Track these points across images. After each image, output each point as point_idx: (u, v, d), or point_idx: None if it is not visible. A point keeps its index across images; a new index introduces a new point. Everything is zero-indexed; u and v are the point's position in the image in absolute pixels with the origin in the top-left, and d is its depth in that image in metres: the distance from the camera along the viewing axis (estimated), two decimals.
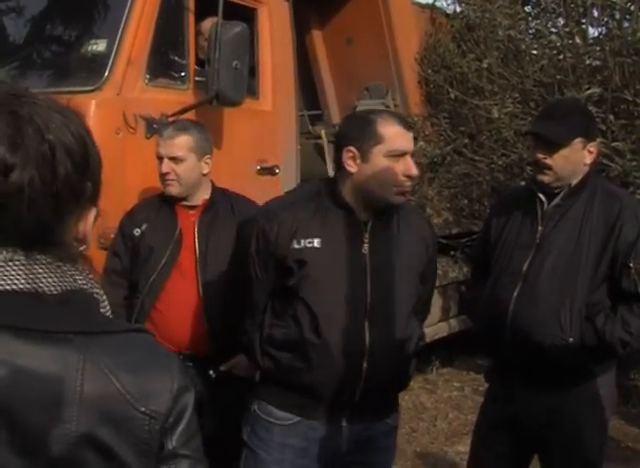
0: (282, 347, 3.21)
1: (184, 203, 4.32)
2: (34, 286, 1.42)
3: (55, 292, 1.44)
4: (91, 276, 1.53)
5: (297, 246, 3.14)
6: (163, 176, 4.25)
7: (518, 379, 3.66)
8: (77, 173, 1.50)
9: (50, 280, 1.44)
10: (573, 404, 3.65)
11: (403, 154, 3.15)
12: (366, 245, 3.20)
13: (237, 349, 4.22)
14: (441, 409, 7.53)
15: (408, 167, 3.15)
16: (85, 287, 1.50)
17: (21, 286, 1.42)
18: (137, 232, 4.30)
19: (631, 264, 3.53)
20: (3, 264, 1.42)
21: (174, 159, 4.23)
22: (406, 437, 6.91)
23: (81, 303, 1.48)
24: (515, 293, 3.60)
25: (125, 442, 1.44)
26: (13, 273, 1.42)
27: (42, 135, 1.44)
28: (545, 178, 3.64)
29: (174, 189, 4.26)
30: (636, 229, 3.56)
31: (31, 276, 1.42)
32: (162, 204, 4.36)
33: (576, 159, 3.64)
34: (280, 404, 3.26)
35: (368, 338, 3.15)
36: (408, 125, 3.25)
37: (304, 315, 3.14)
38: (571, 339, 3.52)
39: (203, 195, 4.34)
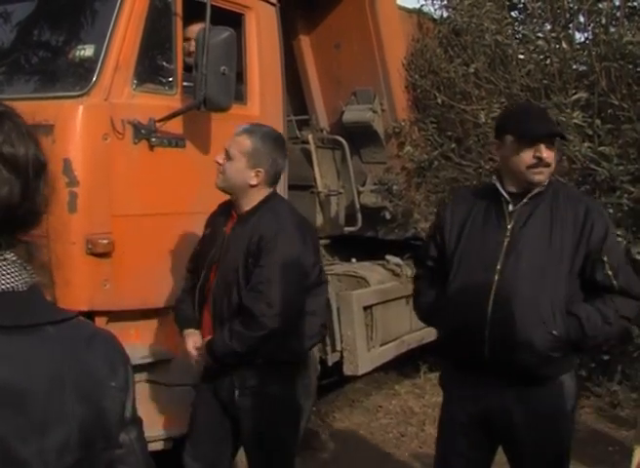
0: None
1: (236, 210, 4.36)
2: (10, 285, 1.49)
3: (25, 289, 1.51)
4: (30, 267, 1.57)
5: None
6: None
7: (489, 378, 3.67)
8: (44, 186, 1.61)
9: (20, 277, 1.51)
10: (546, 397, 3.73)
11: None
12: None
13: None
14: (429, 414, 7.52)
15: None
16: (35, 278, 1.56)
17: (2, 287, 1.48)
18: (204, 234, 4.54)
19: (605, 258, 3.67)
20: None
21: (227, 154, 4.27)
22: (394, 441, 6.93)
23: (41, 295, 1.56)
24: (492, 292, 3.61)
25: (108, 416, 1.56)
26: None
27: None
28: (542, 178, 3.70)
29: (218, 181, 4.32)
30: (605, 226, 3.73)
31: (4, 277, 1.48)
32: (228, 208, 4.45)
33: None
34: None
35: None
36: None
37: None
38: (555, 332, 3.61)
39: (248, 206, 4.30)
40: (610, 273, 3.68)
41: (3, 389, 1.41)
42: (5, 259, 1.49)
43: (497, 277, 3.62)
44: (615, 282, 3.68)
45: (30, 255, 1.54)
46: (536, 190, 3.69)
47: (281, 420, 4.30)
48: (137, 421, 1.68)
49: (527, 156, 3.63)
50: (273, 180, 4.33)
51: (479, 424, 3.77)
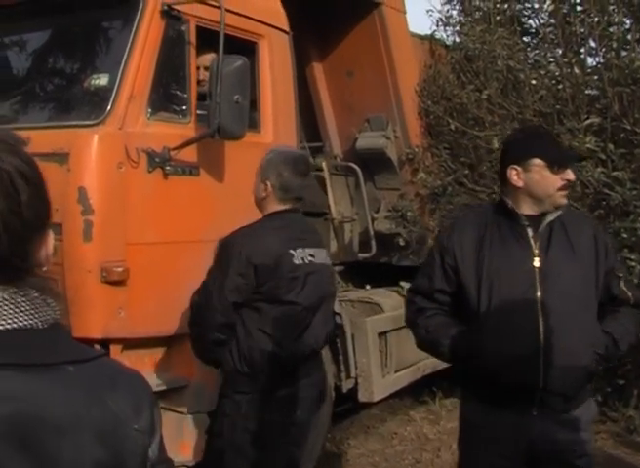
0: None
1: None
2: (28, 323, 1.45)
3: (45, 327, 1.47)
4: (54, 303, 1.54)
5: None
6: None
7: (533, 407, 3.60)
8: (36, 196, 1.51)
9: (39, 314, 1.47)
10: (582, 418, 3.71)
11: None
12: None
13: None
14: (444, 441, 7.49)
15: None
16: (58, 315, 1.52)
17: (18, 324, 1.44)
18: None
19: (620, 274, 3.77)
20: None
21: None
22: None
23: (63, 333, 1.53)
24: (540, 320, 3.53)
25: (128, 460, 1.51)
26: (2, 313, 1.44)
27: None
28: (566, 199, 3.73)
29: None
30: (611, 242, 3.84)
31: (20, 314, 1.44)
32: None
33: None
34: None
35: None
36: None
37: None
38: (600, 351, 3.65)
39: None
40: (625, 288, 3.76)
41: (15, 428, 1.37)
42: (24, 295, 1.46)
43: (539, 305, 3.55)
44: (630, 294, 3.77)
45: (45, 288, 1.51)
46: (557, 213, 3.67)
47: (223, 425, 4.47)
48: (165, 462, 1.65)
49: (556, 179, 3.61)
50: (282, 195, 4.48)
51: (524, 455, 3.68)
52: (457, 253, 3.73)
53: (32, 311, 1.46)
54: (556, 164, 3.61)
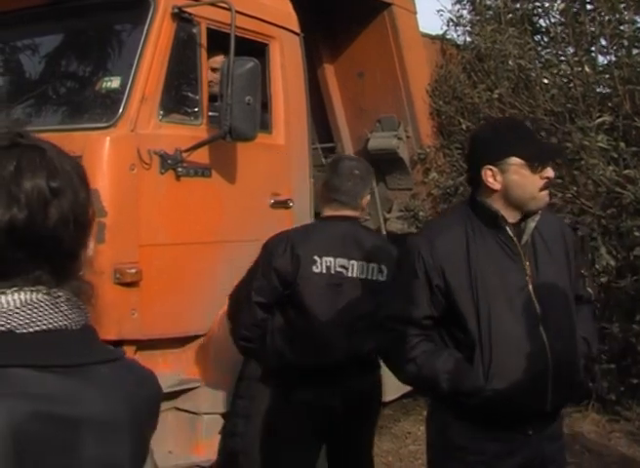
0: None
1: None
2: (64, 324, 1.46)
3: (77, 328, 1.48)
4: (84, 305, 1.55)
5: None
6: None
7: (529, 427, 3.35)
8: (88, 198, 1.54)
9: (72, 317, 1.48)
10: (561, 428, 3.64)
11: None
12: None
13: None
14: None
15: None
16: (88, 317, 1.54)
17: (55, 324, 1.45)
18: None
19: (584, 272, 3.60)
20: (36, 304, 1.45)
21: None
22: None
23: (94, 334, 1.55)
24: (546, 342, 3.27)
25: (142, 455, 1.56)
26: (42, 313, 1.45)
27: (61, 163, 1.51)
28: (547, 199, 3.40)
29: None
30: (577, 240, 3.70)
31: (58, 315, 1.46)
32: None
33: None
34: None
35: None
36: None
37: None
38: (582, 362, 3.48)
39: None
40: (588, 288, 3.69)
41: (56, 426, 1.38)
42: (59, 297, 1.47)
43: (541, 323, 3.27)
44: (592, 293, 3.74)
45: (80, 291, 1.52)
46: (537, 217, 3.33)
47: (238, 426, 4.83)
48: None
49: (536, 179, 3.25)
50: (324, 193, 4.59)
51: None
52: (446, 270, 3.29)
53: (68, 311, 1.47)
54: (537, 161, 3.24)
